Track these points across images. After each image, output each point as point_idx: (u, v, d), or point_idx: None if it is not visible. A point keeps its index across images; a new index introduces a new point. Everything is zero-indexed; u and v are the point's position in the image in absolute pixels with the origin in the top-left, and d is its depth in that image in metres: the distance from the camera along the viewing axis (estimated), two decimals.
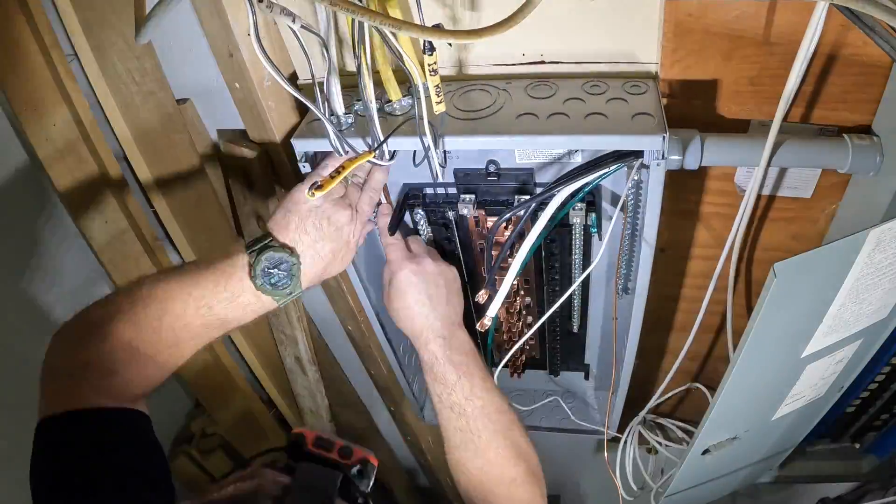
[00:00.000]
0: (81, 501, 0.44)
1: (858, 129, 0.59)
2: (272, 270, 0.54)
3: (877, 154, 0.56)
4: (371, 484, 0.45)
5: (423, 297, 0.65)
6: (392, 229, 0.69)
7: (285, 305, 0.58)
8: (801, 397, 0.65)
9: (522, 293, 0.80)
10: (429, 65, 0.51)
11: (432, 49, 0.50)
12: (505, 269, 0.65)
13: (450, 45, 0.63)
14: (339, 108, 0.58)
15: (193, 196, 0.84)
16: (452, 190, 0.70)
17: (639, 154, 0.56)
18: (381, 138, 0.57)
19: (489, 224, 0.70)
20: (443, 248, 0.78)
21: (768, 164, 0.57)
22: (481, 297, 0.66)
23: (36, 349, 0.82)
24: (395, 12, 0.54)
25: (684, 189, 0.69)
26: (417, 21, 0.50)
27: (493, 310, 0.64)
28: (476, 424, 0.62)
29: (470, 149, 0.64)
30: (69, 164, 0.76)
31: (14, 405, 0.75)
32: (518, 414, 0.66)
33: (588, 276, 0.79)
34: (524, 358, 0.94)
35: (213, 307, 0.53)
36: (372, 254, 0.80)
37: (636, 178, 0.59)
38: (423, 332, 0.65)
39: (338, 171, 0.54)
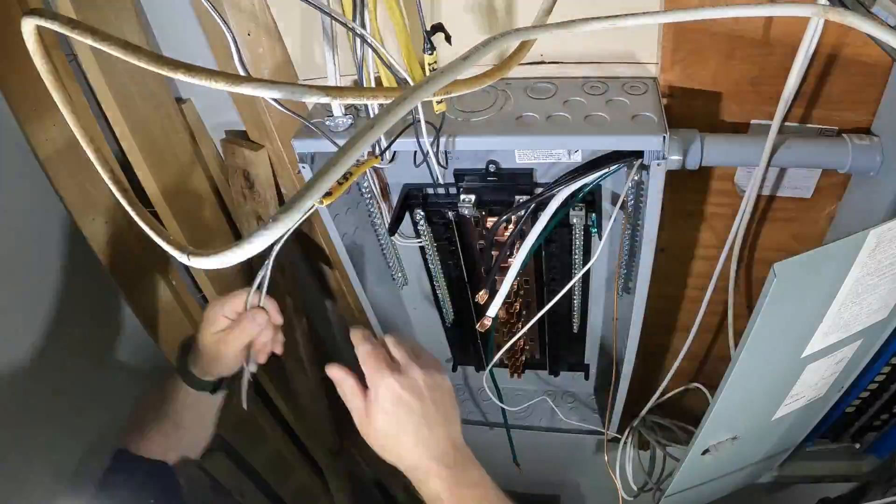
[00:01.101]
0: None
1: (858, 129, 0.59)
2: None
3: (877, 154, 0.56)
4: None
5: (416, 419, 0.52)
6: (392, 230, 0.69)
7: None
8: (801, 397, 0.65)
9: (522, 293, 0.80)
10: (429, 64, 0.51)
11: (432, 48, 0.50)
12: (505, 270, 0.65)
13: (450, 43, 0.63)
14: (339, 108, 0.58)
15: (193, 196, 0.84)
16: (452, 190, 0.70)
17: (639, 154, 0.56)
18: (382, 139, 0.57)
19: (489, 224, 0.71)
20: (443, 249, 0.78)
21: (768, 164, 0.57)
22: (481, 297, 0.66)
23: (35, 348, 0.82)
24: (395, 12, 0.54)
25: (684, 189, 0.69)
26: (418, 18, 0.50)
27: (494, 310, 0.64)
28: None
29: (470, 149, 0.64)
30: (69, 164, 0.76)
31: (14, 403, 0.75)
32: None
33: (588, 276, 0.79)
34: (524, 358, 0.94)
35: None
36: (372, 253, 0.80)
37: (636, 178, 0.59)
38: (419, 464, 0.52)
39: (345, 178, 0.54)
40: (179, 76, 0.27)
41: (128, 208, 0.30)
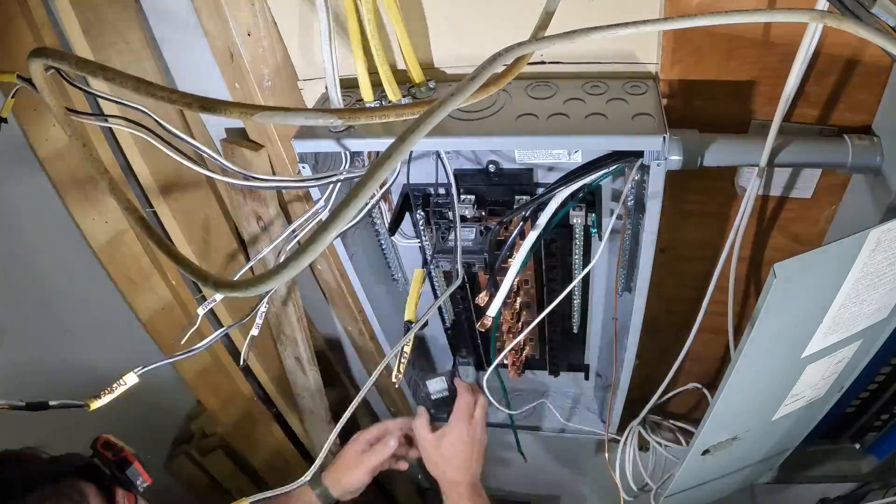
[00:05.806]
0: None
1: (858, 129, 0.59)
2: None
3: (877, 154, 0.56)
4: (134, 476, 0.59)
5: (468, 455, 0.81)
6: (392, 230, 0.69)
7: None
8: (801, 398, 0.65)
9: (522, 294, 0.80)
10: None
11: None
12: (505, 270, 0.65)
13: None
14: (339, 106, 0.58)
15: (193, 196, 0.84)
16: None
17: (639, 154, 0.56)
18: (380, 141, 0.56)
19: (489, 224, 0.70)
20: (443, 249, 0.78)
21: (768, 164, 0.57)
22: (482, 299, 0.66)
23: (35, 348, 0.82)
24: (393, 11, 0.54)
25: (684, 189, 0.69)
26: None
27: (494, 309, 0.64)
28: None
29: (470, 149, 0.64)
30: (69, 164, 0.76)
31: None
32: None
33: (588, 276, 0.79)
34: (524, 358, 0.94)
35: None
36: (372, 254, 0.80)
37: (636, 178, 0.59)
38: (460, 480, 0.81)
39: None
40: (196, 111, 0.27)
41: (145, 235, 0.30)
